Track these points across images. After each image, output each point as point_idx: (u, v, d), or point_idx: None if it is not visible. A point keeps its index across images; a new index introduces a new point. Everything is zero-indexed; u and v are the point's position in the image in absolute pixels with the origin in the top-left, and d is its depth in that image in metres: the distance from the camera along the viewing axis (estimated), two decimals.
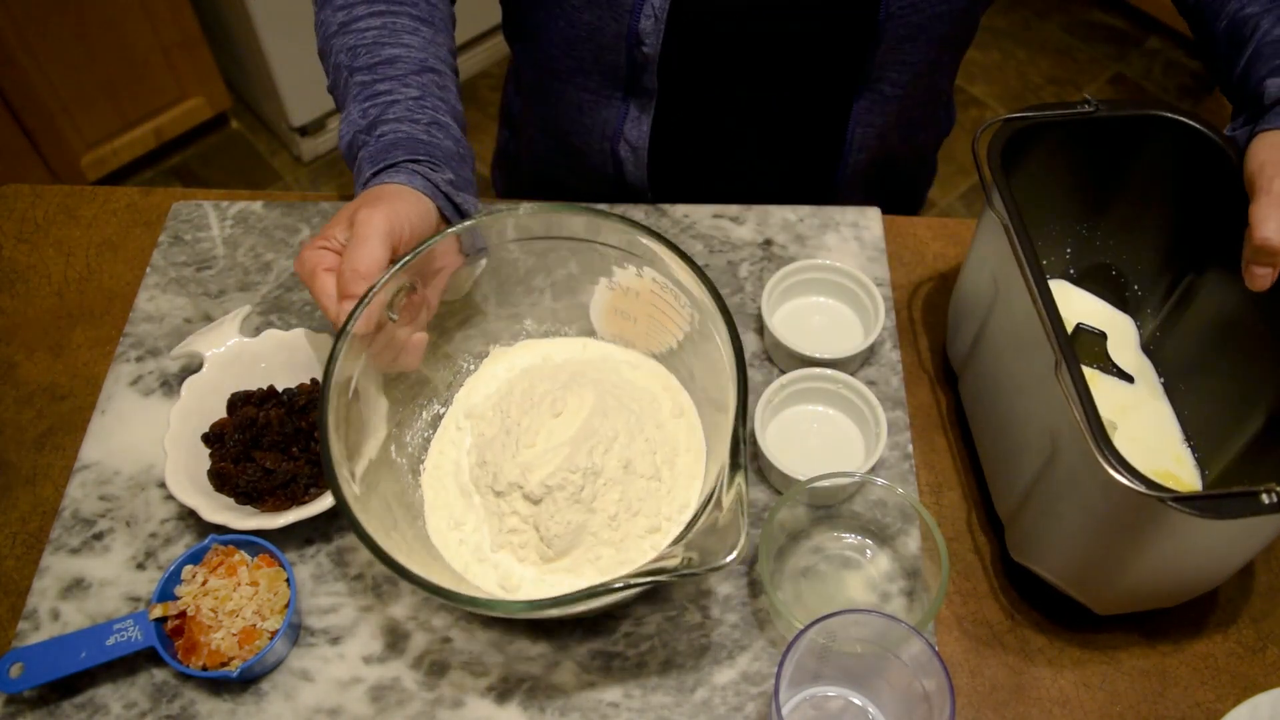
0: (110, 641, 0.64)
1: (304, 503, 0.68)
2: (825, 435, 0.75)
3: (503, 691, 0.65)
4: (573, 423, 0.67)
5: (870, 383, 0.77)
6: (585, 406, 0.68)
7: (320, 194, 0.93)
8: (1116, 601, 0.66)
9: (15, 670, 0.63)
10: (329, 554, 0.71)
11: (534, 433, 0.67)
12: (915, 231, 0.89)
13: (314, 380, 0.75)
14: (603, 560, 0.65)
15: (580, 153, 0.94)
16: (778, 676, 0.56)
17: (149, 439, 0.75)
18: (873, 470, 0.71)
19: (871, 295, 0.79)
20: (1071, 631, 0.69)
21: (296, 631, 0.67)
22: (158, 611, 0.64)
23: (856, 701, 0.64)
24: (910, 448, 0.75)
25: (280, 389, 0.75)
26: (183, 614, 0.65)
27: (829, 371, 0.74)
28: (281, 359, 0.76)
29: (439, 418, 0.74)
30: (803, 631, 0.56)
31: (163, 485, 0.73)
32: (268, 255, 0.86)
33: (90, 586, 0.69)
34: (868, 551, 0.71)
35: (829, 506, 0.71)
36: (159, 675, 0.66)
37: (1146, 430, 0.74)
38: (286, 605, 0.65)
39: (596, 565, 0.65)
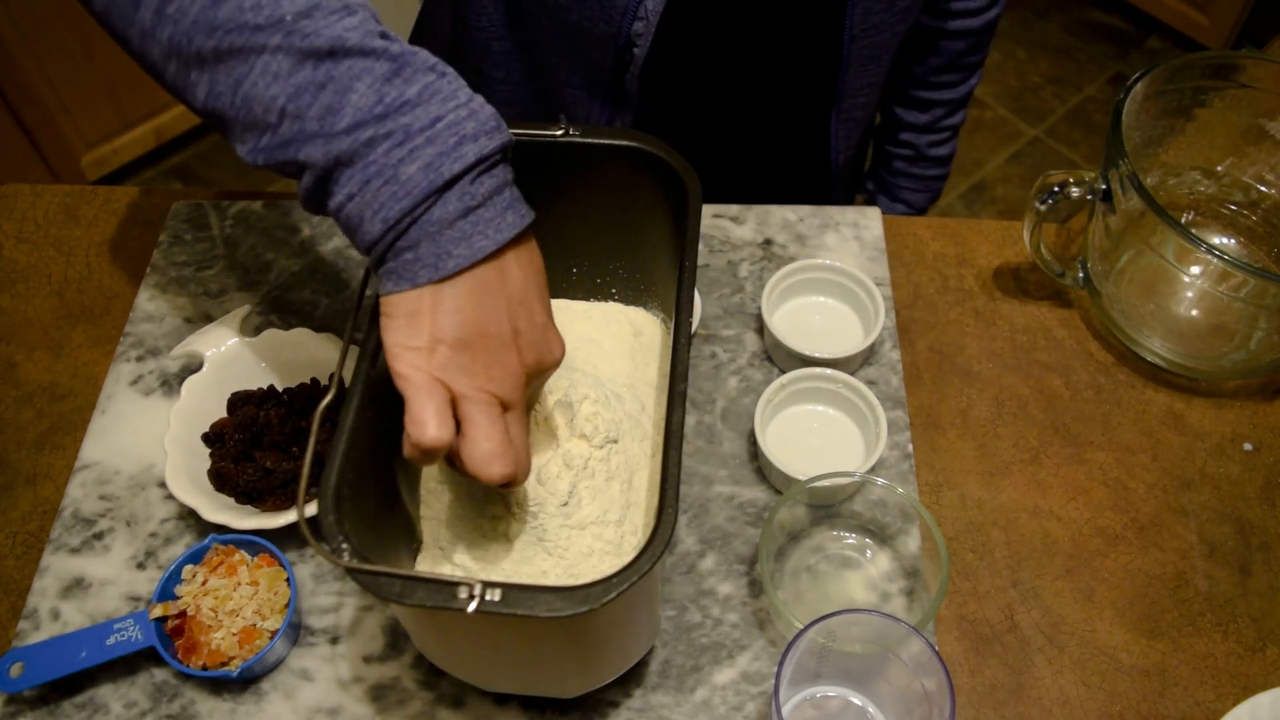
0: (110, 641, 0.64)
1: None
2: (825, 435, 0.75)
3: (503, 691, 0.65)
4: None
5: (870, 383, 0.77)
6: None
7: None
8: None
9: (15, 670, 0.63)
10: None
11: None
12: (915, 231, 0.89)
13: (314, 380, 0.75)
14: None
15: None
16: (778, 676, 0.56)
17: (149, 439, 0.75)
18: (873, 470, 0.71)
19: (871, 295, 0.79)
20: (1071, 631, 0.69)
21: (296, 631, 0.67)
22: (158, 611, 0.64)
23: (856, 701, 0.64)
24: (910, 448, 0.75)
25: (280, 389, 0.75)
26: (183, 614, 0.65)
27: (829, 371, 0.74)
28: (281, 359, 0.76)
29: None
30: (803, 631, 0.56)
31: (163, 485, 0.73)
32: (268, 255, 0.86)
33: (90, 586, 0.69)
34: (868, 551, 0.71)
35: (829, 506, 0.71)
36: (159, 675, 0.66)
37: None
38: (286, 605, 0.65)
39: None
